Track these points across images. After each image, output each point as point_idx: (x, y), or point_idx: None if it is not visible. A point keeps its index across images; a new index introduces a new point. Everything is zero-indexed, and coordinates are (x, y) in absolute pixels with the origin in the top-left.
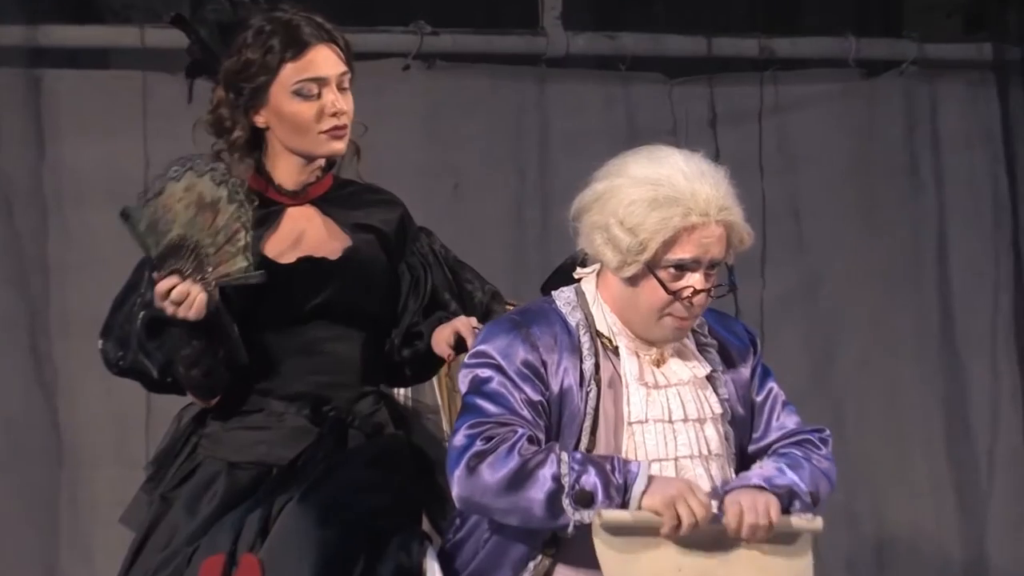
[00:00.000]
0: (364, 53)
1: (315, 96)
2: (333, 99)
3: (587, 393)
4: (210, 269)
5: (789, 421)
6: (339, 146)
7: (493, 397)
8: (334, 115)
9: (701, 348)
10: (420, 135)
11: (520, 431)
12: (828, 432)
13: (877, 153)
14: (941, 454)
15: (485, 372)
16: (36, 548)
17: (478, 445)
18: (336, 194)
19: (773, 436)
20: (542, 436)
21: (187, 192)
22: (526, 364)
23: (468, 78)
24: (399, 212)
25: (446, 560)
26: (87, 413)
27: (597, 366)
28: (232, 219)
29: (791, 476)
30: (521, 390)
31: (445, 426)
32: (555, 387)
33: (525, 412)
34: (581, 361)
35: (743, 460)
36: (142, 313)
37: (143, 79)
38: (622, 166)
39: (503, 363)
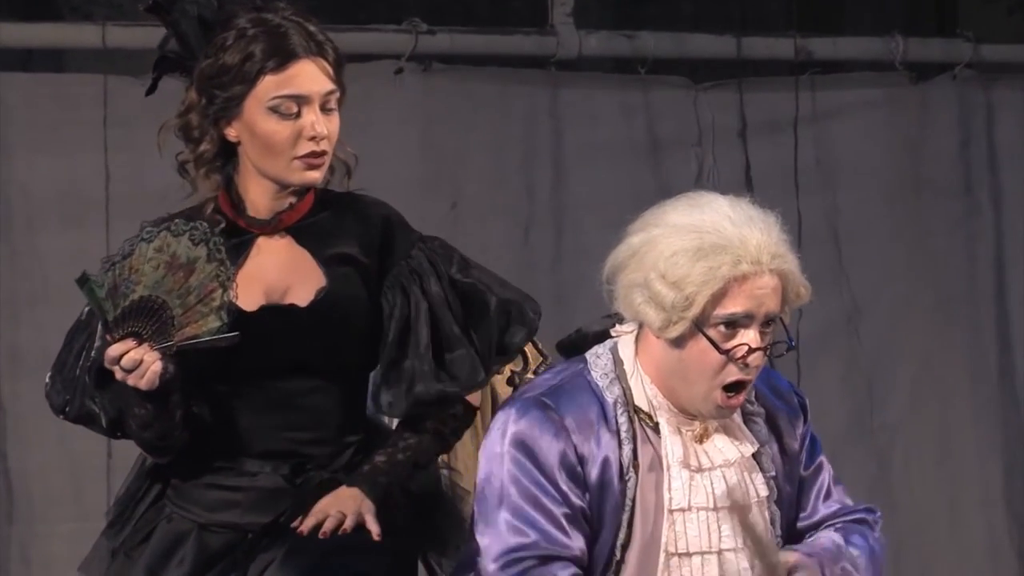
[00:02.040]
0: (352, 55)
1: (293, 115)
2: (313, 121)
3: (626, 482)
4: (175, 331)
5: (838, 499)
6: (314, 176)
7: (531, 516)
8: (312, 139)
9: (747, 419)
10: (414, 147)
11: (568, 572)
12: (880, 513)
13: (926, 168)
14: (1000, 510)
15: (528, 476)
16: None
17: None
18: (313, 219)
19: (822, 514)
20: (582, 547)
21: (158, 253)
22: (564, 465)
23: (468, 83)
24: (380, 222)
25: None
26: (40, 459)
27: (635, 451)
28: (209, 278)
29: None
30: (559, 501)
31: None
32: (594, 480)
33: (564, 534)
34: (620, 446)
35: (789, 537)
36: (93, 357)
37: (104, 83)
38: (660, 215)
39: (542, 465)
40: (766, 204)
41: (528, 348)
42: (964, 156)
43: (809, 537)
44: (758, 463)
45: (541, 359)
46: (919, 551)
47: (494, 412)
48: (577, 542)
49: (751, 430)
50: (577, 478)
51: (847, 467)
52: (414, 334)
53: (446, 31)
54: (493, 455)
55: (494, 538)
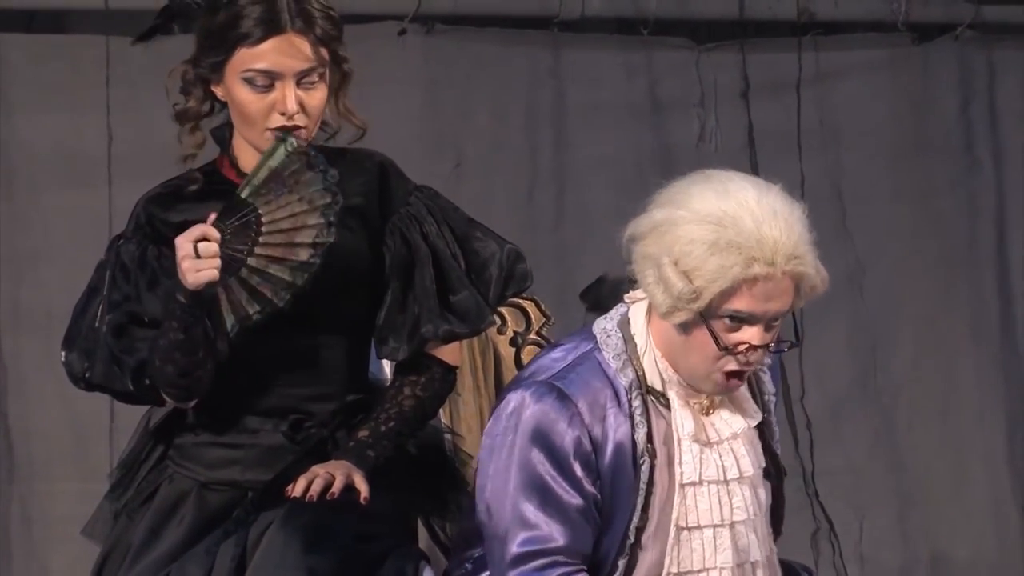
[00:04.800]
0: (354, 15)
1: (266, 88)
2: (284, 96)
3: (640, 466)
4: (250, 274)
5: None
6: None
7: (548, 510)
8: (283, 113)
9: (757, 373)
10: (417, 109)
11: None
12: None
13: (929, 128)
14: (1002, 466)
15: (541, 465)
16: None
17: None
18: None
19: None
20: (590, 540)
21: (312, 195)
22: (579, 453)
23: (471, 44)
24: (376, 169)
25: None
26: (42, 419)
27: (650, 434)
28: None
29: None
30: (574, 494)
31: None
32: (606, 465)
33: (580, 534)
34: (634, 428)
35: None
36: (108, 317)
37: (106, 45)
38: (686, 195)
39: (557, 453)
40: (769, 165)
41: (531, 308)
42: (966, 115)
43: None
44: (761, 432)
45: (544, 320)
46: (923, 508)
47: (497, 373)
48: (586, 538)
49: (761, 383)
50: (590, 466)
51: (851, 427)
52: (418, 277)
53: None
54: (505, 442)
55: (507, 527)
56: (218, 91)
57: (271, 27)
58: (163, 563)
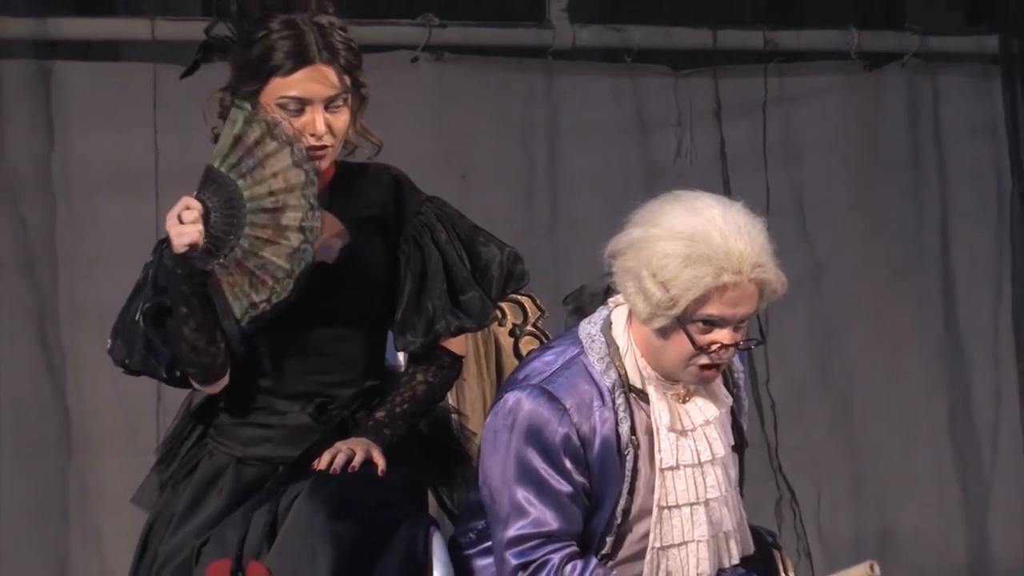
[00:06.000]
0: (373, 45)
1: (298, 112)
2: (315, 120)
3: (624, 456)
4: (245, 256)
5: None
6: (317, 165)
7: (542, 498)
8: (313, 135)
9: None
10: (429, 126)
11: (563, 553)
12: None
13: (880, 145)
14: (945, 442)
15: (535, 459)
16: (47, 535)
17: (520, 574)
18: (335, 187)
19: None
20: (579, 522)
21: (286, 173)
22: (568, 448)
23: (476, 70)
24: (391, 182)
25: (462, 565)
26: (97, 401)
27: (633, 428)
28: (295, 197)
29: None
30: (563, 482)
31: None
32: (594, 458)
33: (570, 518)
34: (618, 423)
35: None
36: (146, 306)
37: (153, 71)
38: (659, 214)
39: (549, 449)
40: (738, 177)
41: (528, 304)
42: (913, 134)
43: None
44: (733, 414)
45: (539, 313)
46: (875, 480)
47: (497, 360)
48: (576, 520)
49: (731, 364)
50: (579, 459)
51: (811, 408)
52: (431, 280)
53: (456, 25)
54: (503, 439)
55: (507, 513)
56: None
57: (301, 59)
58: (204, 529)
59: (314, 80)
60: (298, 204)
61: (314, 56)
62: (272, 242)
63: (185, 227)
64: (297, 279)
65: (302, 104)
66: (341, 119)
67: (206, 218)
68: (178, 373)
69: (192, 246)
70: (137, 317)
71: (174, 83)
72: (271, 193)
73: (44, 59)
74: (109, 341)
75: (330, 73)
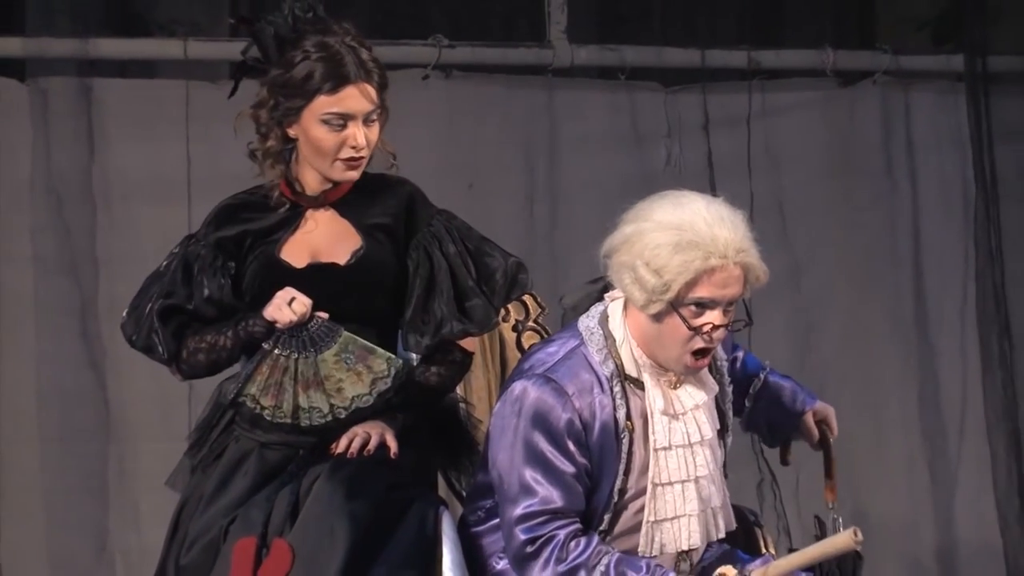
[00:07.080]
0: (387, 64)
1: (340, 127)
2: (355, 133)
3: (621, 439)
4: (304, 370)
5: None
6: (352, 175)
7: (548, 478)
8: (353, 147)
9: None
10: (438, 139)
11: (568, 529)
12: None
13: (855, 155)
14: (915, 429)
15: (541, 442)
16: (89, 515)
17: (528, 549)
18: (353, 195)
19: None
20: (582, 500)
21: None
22: (571, 432)
23: (482, 87)
24: (406, 195)
25: (470, 543)
26: (134, 391)
27: (628, 413)
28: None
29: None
30: (567, 463)
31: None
32: (595, 441)
33: (573, 496)
34: (615, 409)
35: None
36: (160, 302)
37: (186, 88)
38: (648, 211)
39: (554, 433)
40: (724, 185)
41: (530, 301)
42: (885, 145)
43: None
44: (717, 402)
45: (540, 310)
46: (849, 466)
47: (502, 353)
48: (579, 498)
49: (716, 354)
50: (581, 441)
51: None
52: (438, 287)
53: (464, 45)
54: (511, 424)
55: (516, 493)
56: (291, 131)
57: (344, 78)
58: (231, 508)
59: (356, 97)
60: (355, 390)
61: (355, 75)
62: (323, 390)
63: (286, 308)
64: (316, 420)
65: (345, 120)
66: (375, 132)
67: (308, 318)
68: (173, 362)
69: (283, 325)
70: (150, 304)
71: (205, 98)
72: (348, 372)
73: (85, 76)
74: (123, 315)
75: (369, 90)
